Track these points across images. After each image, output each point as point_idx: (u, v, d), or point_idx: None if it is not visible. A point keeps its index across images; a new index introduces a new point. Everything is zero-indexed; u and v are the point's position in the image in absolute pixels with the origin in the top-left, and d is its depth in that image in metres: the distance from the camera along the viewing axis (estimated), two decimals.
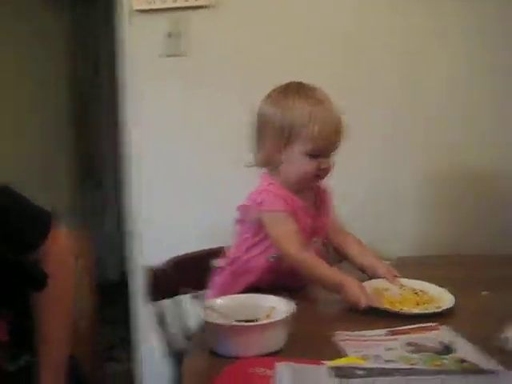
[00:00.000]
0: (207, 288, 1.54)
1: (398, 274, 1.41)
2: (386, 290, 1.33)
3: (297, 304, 1.07)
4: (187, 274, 1.58)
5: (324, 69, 2.01)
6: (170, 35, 1.98)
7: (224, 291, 1.37)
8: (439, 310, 1.21)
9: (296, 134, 1.33)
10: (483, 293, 1.32)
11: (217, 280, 1.48)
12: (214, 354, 1.03)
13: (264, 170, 1.43)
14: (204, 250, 1.65)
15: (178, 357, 1.50)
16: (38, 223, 1.18)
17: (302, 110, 1.33)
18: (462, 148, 2.04)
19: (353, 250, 1.50)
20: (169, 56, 2.00)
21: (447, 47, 2.01)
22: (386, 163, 2.07)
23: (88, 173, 4.07)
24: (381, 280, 1.38)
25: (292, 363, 0.87)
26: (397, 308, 1.23)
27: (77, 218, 3.71)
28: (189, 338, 1.53)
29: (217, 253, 1.58)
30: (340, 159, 1.39)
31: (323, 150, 1.35)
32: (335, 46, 2.04)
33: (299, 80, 1.41)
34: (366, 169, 2.06)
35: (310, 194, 1.43)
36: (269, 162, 1.40)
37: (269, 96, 1.41)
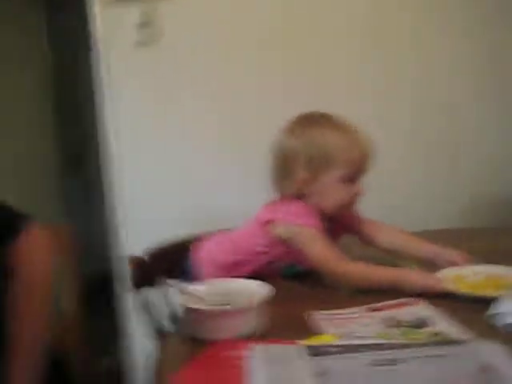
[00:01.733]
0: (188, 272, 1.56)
1: (468, 256, 1.35)
2: (467, 276, 1.26)
3: (273, 287, 1.08)
4: (170, 261, 1.59)
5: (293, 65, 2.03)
6: (141, 25, 1.97)
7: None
8: None
9: (332, 161, 1.31)
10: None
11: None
12: (193, 338, 1.04)
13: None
14: (186, 237, 1.66)
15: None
16: (7, 223, 1.17)
17: (335, 136, 1.32)
18: None
19: (410, 245, 1.44)
20: (141, 46, 2.00)
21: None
22: None
23: (71, 166, 4.06)
24: (460, 268, 1.31)
25: (265, 344, 0.88)
26: (479, 292, 1.16)
27: (61, 212, 3.69)
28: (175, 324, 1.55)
29: (199, 239, 1.60)
30: None
31: (360, 172, 1.34)
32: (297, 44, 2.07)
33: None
34: None
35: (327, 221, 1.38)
36: (298, 194, 1.35)
37: (290, 130, 1.37)
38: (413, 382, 0.77)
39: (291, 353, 0.85)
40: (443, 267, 1.32)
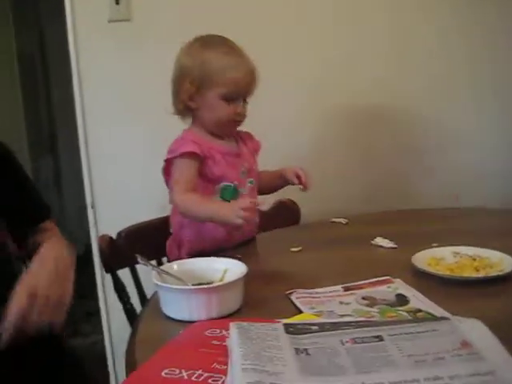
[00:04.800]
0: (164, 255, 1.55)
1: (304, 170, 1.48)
2: (442, 258, 1.25)
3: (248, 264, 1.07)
4: (143, 242, 1.56)
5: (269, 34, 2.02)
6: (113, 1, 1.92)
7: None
8: (502, 273, 1.14)
9: (216, 79, 1.42)
10: (433, 245, 1.32)
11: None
12: (169, 318, 1.02)
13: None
14: (159, 218, 1.64)
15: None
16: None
17: (217, 59, 1.42)
18: None
19: (264, 177, 1.57)
20: (113, 21, 1.94)
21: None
22: None
23: (42, 146, 3.98)
24: (436, 249, 1.29)
25: (245, 322, 0.86)
26: (457, 274, 1.16)
27: None
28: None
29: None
30: None
31: (237, 93, 1.43)
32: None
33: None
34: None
35: (230, 141, 1.52)
36: (184, 111, 1.49)
37: (188, 47, 1.48)
38: (395, 358, 0.75)
39: (271, 331, 0.83)
40: (292, 179, 1.48)
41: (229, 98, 1.42)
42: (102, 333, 2.24)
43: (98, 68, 1.98)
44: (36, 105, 3.97)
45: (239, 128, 1.54)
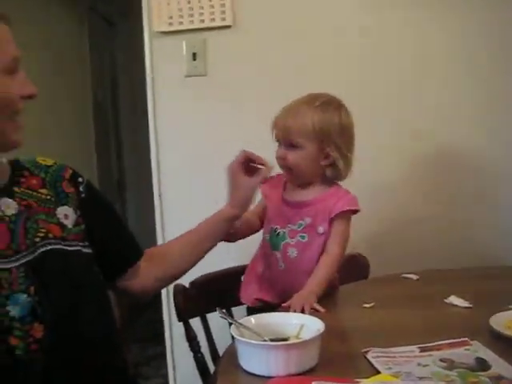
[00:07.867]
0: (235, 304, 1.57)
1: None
2: None
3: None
4: (214, 292, 1.59)
5: (340, 86, 2.03)
6: (190, 56, 2.01)
7: None
8: None
9: None
10: (510, 306, 1.28)
11: None
12: (246, 372, 1.03)
13: None
14: (230, 268, 1.66)
15: (205, 375, 1.51)
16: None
17: None
18: None
19: None
20: (189, 76, 2.03)
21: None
22: None
23: (113, 192, 4.10)
24: None
25: (327, 382, 0.87)
26: None
27: None
28: (215, 357, 1.54)
29: (242, 270, 1.60)
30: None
31: (277, 136, 1.48)
32: (351, 64, 2.07)
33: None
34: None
35: (311, 192, 1.49)
36: None
37: None
38: None
39: None
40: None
41: (277, 141, 1.49)
42: (161, 377, 2.27)
43: (174, 120, 2.06)
44: (108, 153, 4.11)
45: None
